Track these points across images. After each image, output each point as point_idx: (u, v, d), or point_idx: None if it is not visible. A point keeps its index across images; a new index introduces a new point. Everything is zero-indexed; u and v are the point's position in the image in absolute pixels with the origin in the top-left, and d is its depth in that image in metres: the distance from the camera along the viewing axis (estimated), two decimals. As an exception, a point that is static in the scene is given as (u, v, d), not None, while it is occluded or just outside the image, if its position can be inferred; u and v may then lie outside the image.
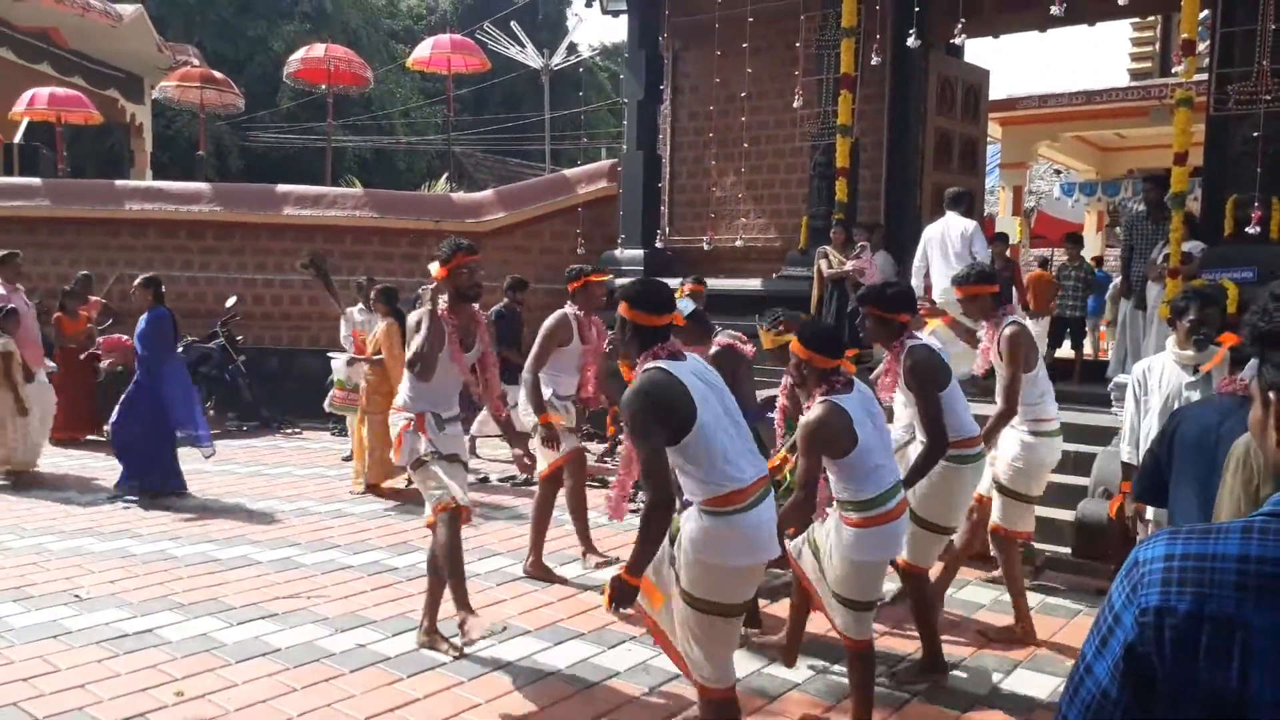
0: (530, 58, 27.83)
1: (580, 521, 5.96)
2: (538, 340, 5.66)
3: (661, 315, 3.07)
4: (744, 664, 4.27)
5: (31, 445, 8.03)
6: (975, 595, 5.61)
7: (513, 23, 28.07)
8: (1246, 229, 7.12)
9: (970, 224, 7.89)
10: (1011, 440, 4.81)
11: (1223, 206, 7.46)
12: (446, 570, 4.39)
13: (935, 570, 4.71)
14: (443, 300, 4.41)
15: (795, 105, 9.46)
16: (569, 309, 5.76)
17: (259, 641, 4.56)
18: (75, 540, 6.26)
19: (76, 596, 5.14)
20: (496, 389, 4.78)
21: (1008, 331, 4.58)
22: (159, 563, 5.81)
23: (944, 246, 7.84)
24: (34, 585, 5.31)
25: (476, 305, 4.58)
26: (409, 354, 4.35)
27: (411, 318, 4.42)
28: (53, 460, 8.87)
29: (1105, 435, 6.79)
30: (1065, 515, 6.42)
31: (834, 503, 3.63)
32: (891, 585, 5.02)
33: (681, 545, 3.03)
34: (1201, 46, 8.94)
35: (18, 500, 7.37)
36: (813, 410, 3.45)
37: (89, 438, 9.89)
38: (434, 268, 4.43)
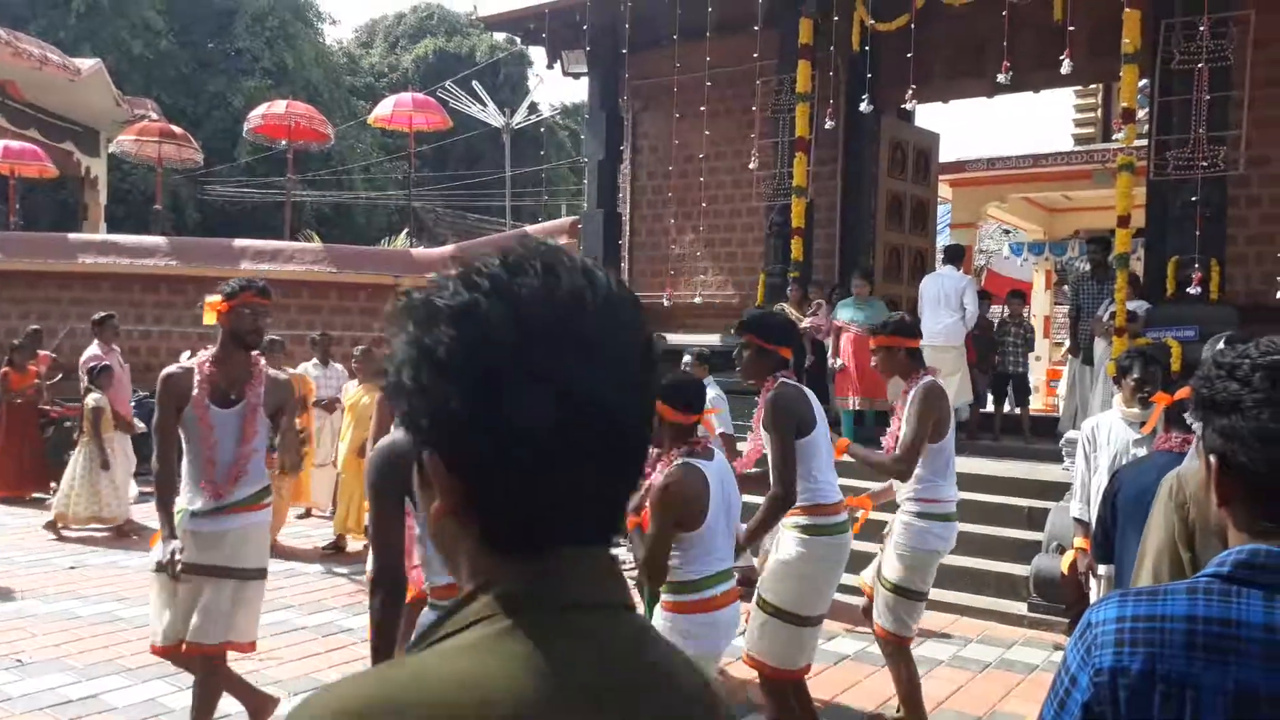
0: (491, 116, 28.14)
1: None
2: None
3: (694, 414, 3.11)
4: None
5: (122, 498, 8.32)
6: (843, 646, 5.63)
7: (474, 82, 28.40)
8: (1188, 289, 7.36)
9: (965, 278, 8.79)
10: (896, 524, 4.10)
11: (1165, 267, 7.71)
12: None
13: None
14: (206, 352, 3.74)
15: (751, 166, 9.65)
16: None
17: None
18: (17, 603, 6.08)
19: (18, 661, 4.99)
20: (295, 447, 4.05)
21: (924, 384, 3.99)
22: (105, 624, 5.66)
23: (937, 299, 8.53)
24: (-26, 649, 5.15)
25: (256, 354, 3.84)
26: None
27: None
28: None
29: (1058, 490, 6.91)
30: (1020, 570, 6.50)
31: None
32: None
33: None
34: (1141, 114, 9.29)
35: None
36: (668, 472, 3.04)
37: (35, 495, 9.64)
38: (213, 300, 3.77)
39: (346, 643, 5.40)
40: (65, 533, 8.04)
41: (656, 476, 3.04)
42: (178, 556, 3.44)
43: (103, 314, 9.00)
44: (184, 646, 3.58)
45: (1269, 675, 1.02)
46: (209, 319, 3.76)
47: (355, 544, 7.77)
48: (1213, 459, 1.15)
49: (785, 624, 3.58)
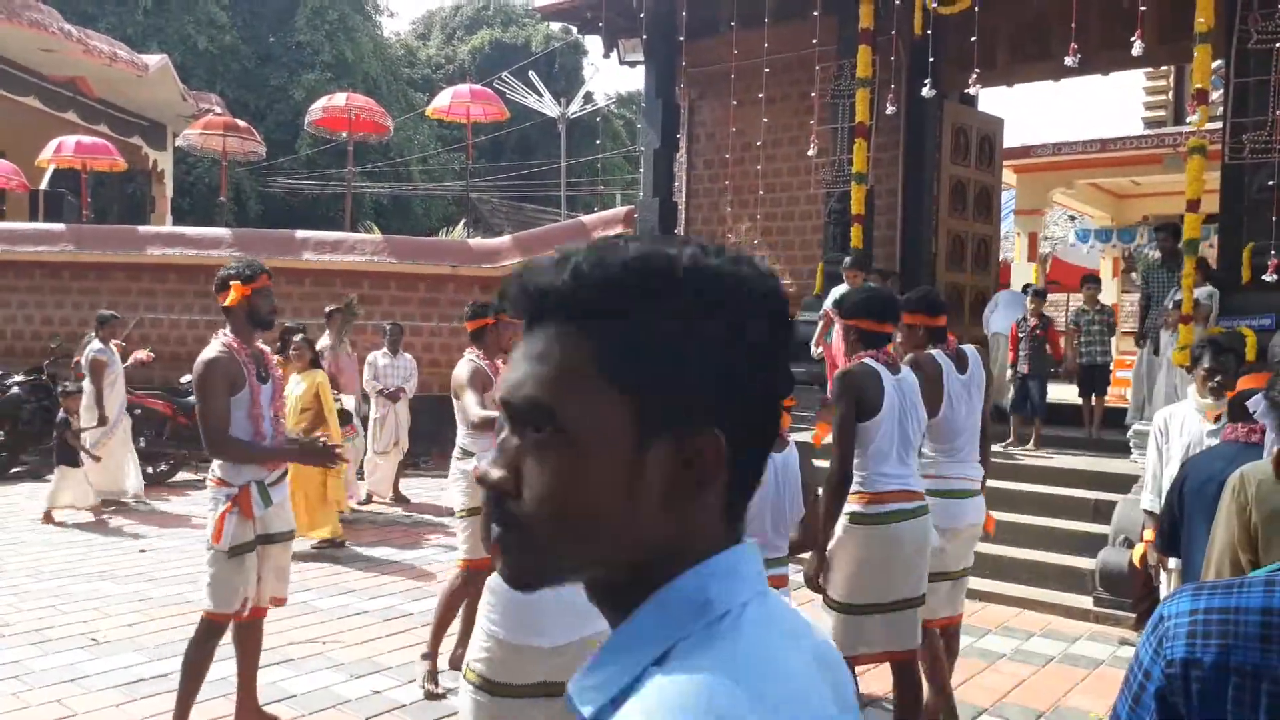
0: (547, 106, 28.23)
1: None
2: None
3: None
4: None
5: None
6: (994, 645, 5.54)
7: (530, 72, 28.52)
8: (1264, 276, 7.12)
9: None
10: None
11: (1239, 254, 7.47)
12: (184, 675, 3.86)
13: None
14: (223, 332, 3.85)
15: (810, 153, 9.55)
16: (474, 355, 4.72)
17: (275, 687, 4.54)
18: (92, 584, 6.27)
19: (93, 640, 5.14)
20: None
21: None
22: (176, 606, 5.80)
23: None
24: (52, 628, 5.31)
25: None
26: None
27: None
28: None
29: (1125, 483, 6.75)
30: (1085, 564, 6.36)
31: None
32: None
33: None
34: (1215, 95, 9.00)
35: (37, 541, 7.39)
36: None
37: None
38: (233, 286, 3.85)
39: (407, 626, 5.48)
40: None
41: None
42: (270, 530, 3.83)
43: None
44: (253, 608, 3.89)
45: None
46: (233, 299, 3.87)
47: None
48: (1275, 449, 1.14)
49: (830, 610, 3.58)
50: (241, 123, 16.48)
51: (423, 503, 9.23)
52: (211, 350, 3.77)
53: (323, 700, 4.39)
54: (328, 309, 8.82)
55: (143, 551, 7.19)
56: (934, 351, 4.01)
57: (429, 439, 10.97)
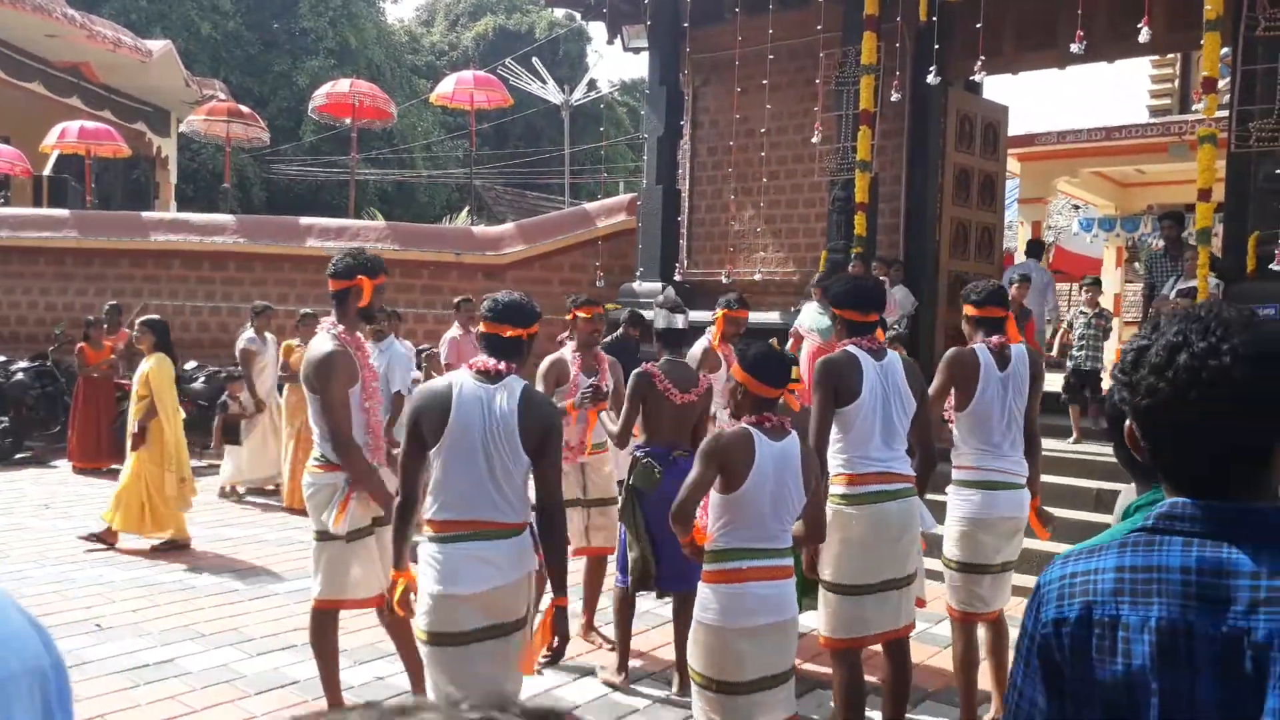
0: (550, 93, 28.15)
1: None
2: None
3: (777, 388, 3.17)
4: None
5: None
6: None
7: (534, 59, 28.43)
8: (1270, 266, 7.09)
9: (1047, 273, 9.71)
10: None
11: (1245, 243, 7.43)
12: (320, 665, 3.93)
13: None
14: (332, 323, 3.80)
15: (814, 140, 9.51)
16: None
17: (278, 673, 4.56)
18: (96, 569, 6.29)
19: (97, 626, 5.16)
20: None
21: (951, 352, 4.11)
22: (179, 592, 5.83)
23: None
24: (55, 614, 5.32)
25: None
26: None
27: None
28: (76, 490, 8.94)
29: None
30: (1088, 553, 6.36)
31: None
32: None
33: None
34: (1221, 83, 8.95)
35: (41, 526, 7.41)
36: (727, 431, 3.16)
37: (112, 466, 9.94)
38: (360, 279, 3.80)
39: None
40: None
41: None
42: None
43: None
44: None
45: (1185, 611, 1.14)
46: (359, 291, 3.81)
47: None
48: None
49: (828, 593, 3.65)
50: (245, 109, 16.48)
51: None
52: (327, 343, 3.72)
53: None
54: (456, 300, 8.91)
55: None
56: (976, 346, 4.05)
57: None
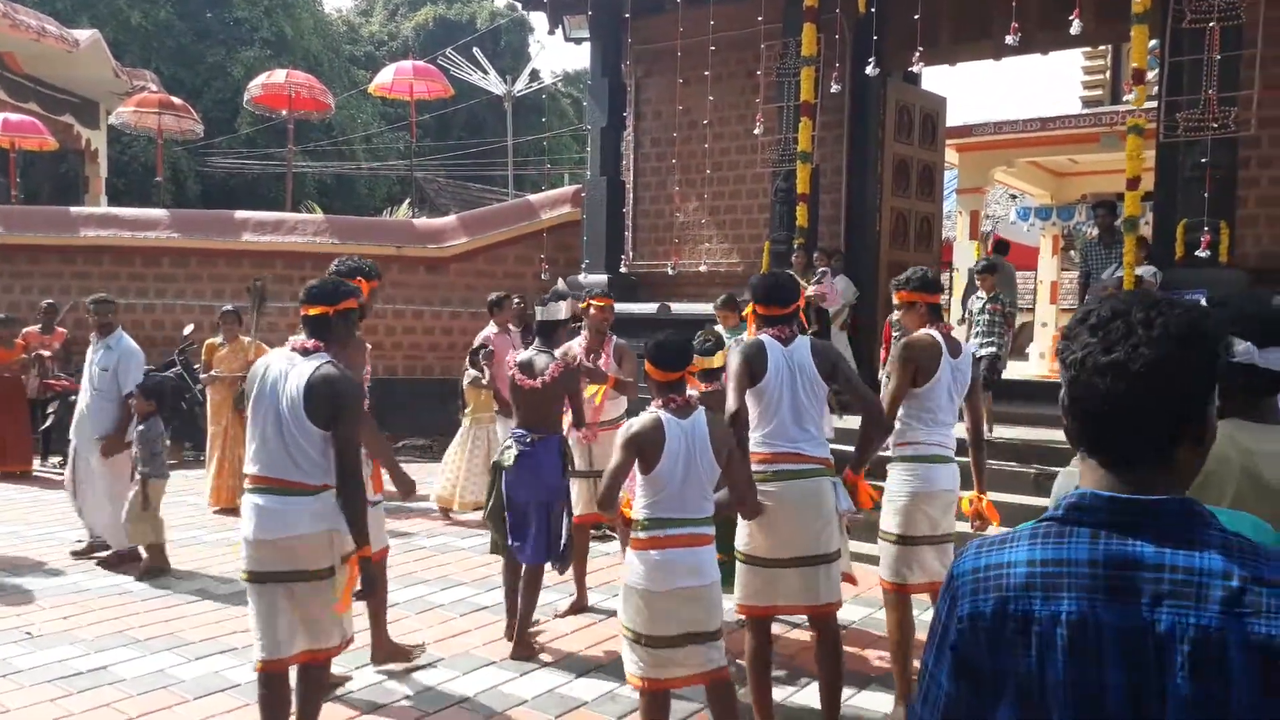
0: (493, 84, 27.87)
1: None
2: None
3: (674, 372, 3.46)
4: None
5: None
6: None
7: (475, 49, 28.12)
8: (1196, 252, 7.28)
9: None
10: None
11: (1174, 231, 7.62)
12: None
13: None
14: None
15: (756, 132, 9.54)
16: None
17: (218, 677, 4.47)
18: (24, 576, 6.10)
19: (27, 634, 5.01)
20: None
21: (908, 338, 4.27)
22: (114, 598, 5.68)
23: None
24: (-17, 622, 5.16)
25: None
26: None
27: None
28: (4, 495, 8.67)
29: (1065, 455, 6.88)
30: (1027, 536, 6.48)
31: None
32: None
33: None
34: (1151, 75, 9.15)
35: (-34, 534, 7.18)
36: (638, 419, 3.42)
37: (23, 470, 9.70)
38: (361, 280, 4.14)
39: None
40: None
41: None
42: None
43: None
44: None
45: (1094, 604, 1.16)
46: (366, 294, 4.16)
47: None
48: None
49: (740, 562, 3.86)
50: (177, 100, 16.06)
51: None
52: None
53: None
54: (492, 298, 8.12)
55: (79, 542, 7.01)
56: (932, 331, 4.19)
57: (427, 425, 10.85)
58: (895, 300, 4.46)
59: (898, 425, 4.20)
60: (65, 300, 11.24)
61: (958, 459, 4.29)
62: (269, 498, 3.34)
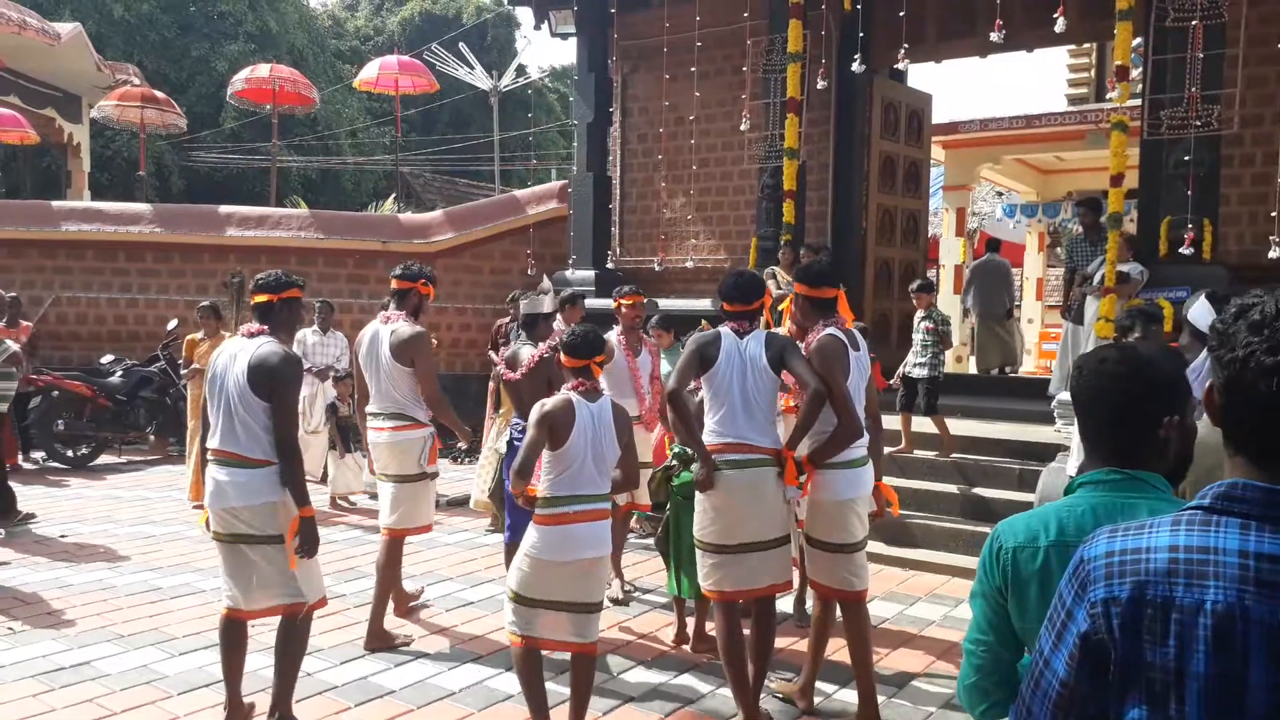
0: (479, 79, 27.81)
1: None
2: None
3: (579, 360, 3.75)
4: (701, 685, 4.27)
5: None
6: (926, 612, 5.66)
7: (461, 44, 28.05)
8: (1180, 249, 7.33)
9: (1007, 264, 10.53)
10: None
11: (1158, 228, 7.67)
12: None
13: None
14: (403, 315, 5.06)
15: (743, 128, 9.55)
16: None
17: (203, 672, 4.44)
18: (8, 571, 6.06)
19: (10, 629, 4.97)
20: None
21: (821, 337, 4.13)
22: (97, 593, 5.65)
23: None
24: (-35, 618, 5.13)
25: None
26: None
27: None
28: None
29: (1049, 452, 6.93)
30: (1011, 531, 6.51)
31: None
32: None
33: None
34: (1135, 73, 9.20)
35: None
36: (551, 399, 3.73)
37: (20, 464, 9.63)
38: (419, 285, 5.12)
39: (340, 608, 5.40)
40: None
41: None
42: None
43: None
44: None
45: (1242, 596, 1.11)
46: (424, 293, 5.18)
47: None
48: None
49: (697, 549, 4.04)
50: (160, 94, 15.97)
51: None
52: (411, 326, 4.99)
53: (250, 684, 4.30)
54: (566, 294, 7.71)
55: (63, 537, 6.98)
56: (833, 330, 4.04)
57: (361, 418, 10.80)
58: (795, 292, 4.32)
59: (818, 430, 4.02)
60: (47, 295, 11.16)
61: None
62: (223, 469, 3.71)
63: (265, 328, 3.81)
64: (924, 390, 7.50)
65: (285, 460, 3.68)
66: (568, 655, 3.78)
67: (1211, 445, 2.32)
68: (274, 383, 3.65)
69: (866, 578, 4.15)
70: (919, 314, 7.75)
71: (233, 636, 3.82)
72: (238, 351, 3.74)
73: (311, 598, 3.78)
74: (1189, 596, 1.14)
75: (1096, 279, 7.59)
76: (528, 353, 4.85)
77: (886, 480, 4.50)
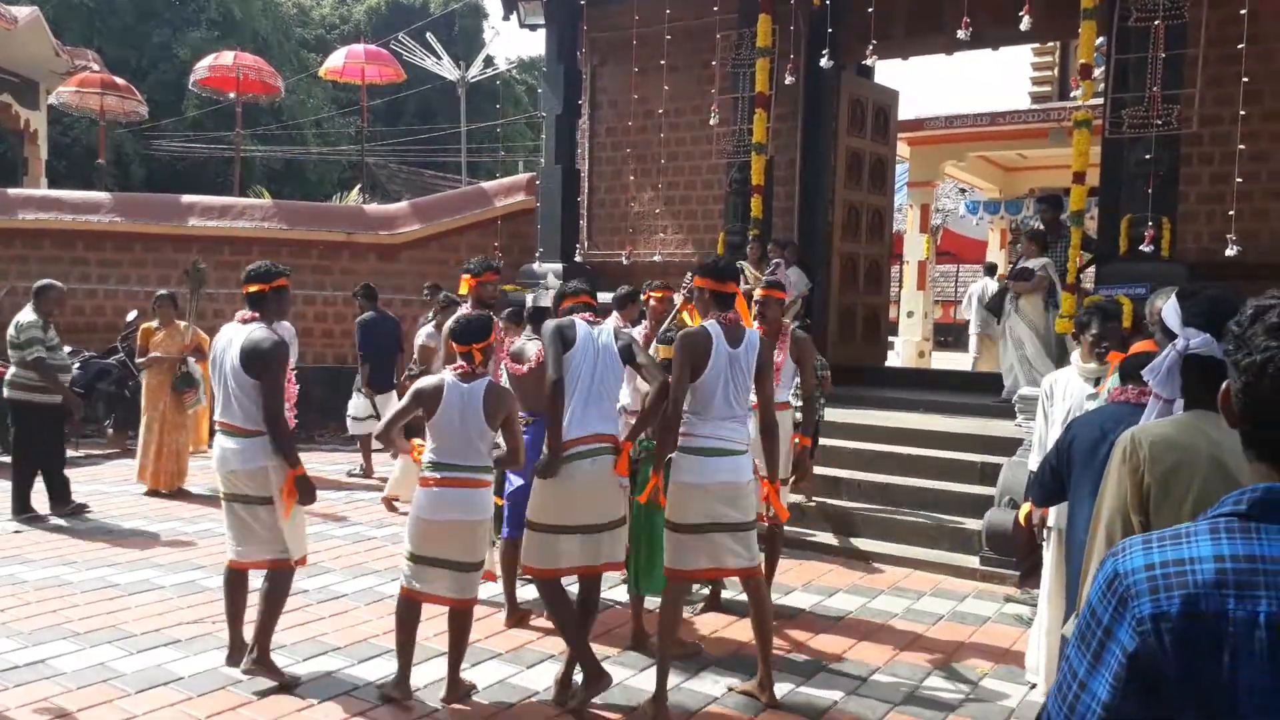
0: (446, 70, 27.58)
1: None
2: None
3: (462, 345, 4.13)
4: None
5: None
6: (889, 605, 5.71)
7: (428, 34, 27.80)
8: (1140, 247, 7.43)
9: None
10: None
11: (1118, 225, 7.77)
12: None
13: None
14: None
15: (712, 122, 9.55)
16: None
17: (161, 670, 4.38)
18: (-39, 567, 5.94)
19: (-38, 627, 4.87)
20: None
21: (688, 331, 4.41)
22: (53, 589, 5.55)
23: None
24: (-85, 616, 5.01)
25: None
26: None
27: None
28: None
29: (1010, 446, 7.00)
30: (973, 524, 6.59)
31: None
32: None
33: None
34: (1097, 72, 9.30)
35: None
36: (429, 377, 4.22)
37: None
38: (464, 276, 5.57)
39: (301, 604, 5.33)
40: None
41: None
42: None
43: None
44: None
45: None
46: (462, 289, 5.67)
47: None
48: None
49: (526, 529, 4.32)
50: (120, 81, 15.68)
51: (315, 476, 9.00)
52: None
53: (210, 682, 4.26)
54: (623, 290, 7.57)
55: (17, 532, 6.85)
56: (708, 323, 4.14)
57: (323, 412, 10.71)
58: (692, 284, 4.44)
59: (685, 417, 4.15)
60: (2, 285, 10.93)
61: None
62: (226, 438, 4.23)
63: (257, 314, 4.25)
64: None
65: (272, 425, 4.15)
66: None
67: (1175, 443, 2.35)
68: (263, 362, 4.11)
69: (691, 562, 4.16)
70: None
71: (236, 586, 4.39)
72: (234, 336, 4.20)
73: (295, 555, 4.28)
74: (1241, 609, 1.08)
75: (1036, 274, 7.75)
76: (534, 348, 4.83)
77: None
